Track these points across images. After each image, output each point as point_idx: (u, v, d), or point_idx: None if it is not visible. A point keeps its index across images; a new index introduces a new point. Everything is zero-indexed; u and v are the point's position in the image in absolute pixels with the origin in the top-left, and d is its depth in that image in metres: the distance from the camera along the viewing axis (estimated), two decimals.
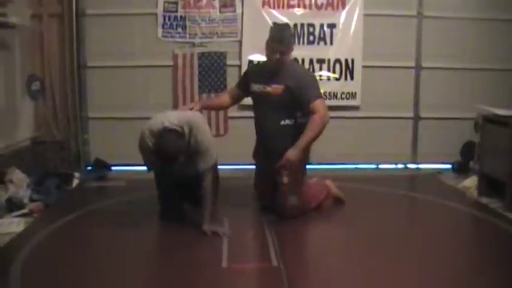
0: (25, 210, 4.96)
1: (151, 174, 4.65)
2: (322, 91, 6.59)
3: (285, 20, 6.60)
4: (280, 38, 4.51)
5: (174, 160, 4.10)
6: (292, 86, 4.51)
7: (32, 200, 5.23)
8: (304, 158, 4.79)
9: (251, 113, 5.03)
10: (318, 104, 4.48)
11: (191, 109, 4.74)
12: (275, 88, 4.60)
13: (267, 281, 3.70)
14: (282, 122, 4.63)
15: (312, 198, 4.89)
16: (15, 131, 6.18)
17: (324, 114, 4.51)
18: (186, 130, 4.22)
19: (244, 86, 4.94)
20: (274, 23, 4.97)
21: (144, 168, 4.54)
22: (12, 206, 4.99)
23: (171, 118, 4.28)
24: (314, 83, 4.69)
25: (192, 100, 6.47)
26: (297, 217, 4.70)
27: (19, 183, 5.39)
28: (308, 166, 6.84)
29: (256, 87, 4.76)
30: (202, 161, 4.33)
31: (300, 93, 4.49)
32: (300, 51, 6.69)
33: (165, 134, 4.14)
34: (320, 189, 5.08)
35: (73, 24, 6.59)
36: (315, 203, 4.92)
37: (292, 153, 4.42)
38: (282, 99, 4.58)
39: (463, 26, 6.85)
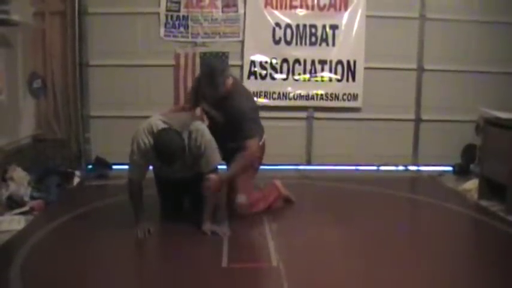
0: (26, 208, 4.96)
1: (151, 173, 4.65)
2: (324, 92, 6.73)
3: (287, 20, 6.64)
4: (211, 84, 4.35)
5: (173, 160, 4.08)
6: (232, 120, 4.44)
7: (32, 198, 5.24)
8: (259, 159, 4.86)
9: None
10: (250, 143, 4.44)
11: (183, 108, 4.71)
12: (218, 116, 4.57)
13: (266, 280, 3.72)
14: (229, 145, 4.52)
15: (261, 199, 4.93)
16: (17, 129, 6.18)
17: (253, 153, 4.50)
18: (186, 134, 4.21)
19: (195, 100, 4.83)
20: (203, 65, 4.66)
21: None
22: (13, 203, 5.00)
23: (170, 121, 4.27)
24: (252, 120, 4.54)
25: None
26: (245, 216, 4.71)
27: (20, 180, 5.40)
28: (308, 167, 6.94)
29: (205, 105, 4.74)
30: (205, 164, 4.32)
31: (239, 128, 4.42)
32: (302, 52, 6.74)
33: (164, 132, 4.13)
34: (270, 191, 5.12)
35: (75, 23, 6.59)
36: (264, 204, 4.95)
37: (213, 181, 4.32)
38: (224, 127, 4.52)
39: (465, 29, 6.85)
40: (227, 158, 4.56)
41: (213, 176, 4.31)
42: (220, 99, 4.45)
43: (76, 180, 6.11)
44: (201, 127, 4.33)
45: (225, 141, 4.48)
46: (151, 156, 4.17)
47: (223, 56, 6.72)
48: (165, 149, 4.04)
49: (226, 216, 4.54)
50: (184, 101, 4.98)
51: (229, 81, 4.45)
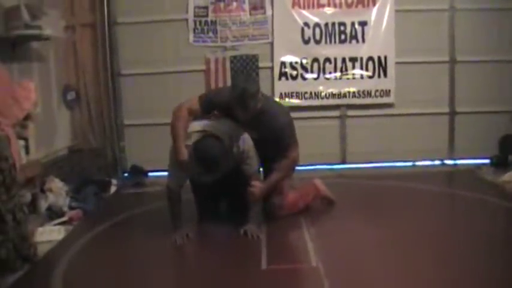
0: (65, 218, 5.03)
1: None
2: (356, 90, 6.68)
3: (315, 19, 6.63)
4: (244, 107, 4.25)
5: (215, 168, 4.03)
6: (270, 136, 4.37)
7: (71, 208, 5.31)
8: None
9: None
10: (291, 152, 4.45)
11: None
12: (252, 133, 4.42)
13: (306, 281, 3.70)
14: (267, 154, 4.50)
15: (299, 199, 4.91)
16: (53, 141, 6.28)
17: (295, 161, 4.53)
18: (227, 140, 4.20)
19: (208, 112, 4.58)
20: (236, 85, 4.38)
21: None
22: (52, 214, 5.08)
23: (209, 128, 4.26)
24: (291, 131, 4.51)
25: None
26: (284, 217, 4.70)
27: (58, 191, 5.47)
28: (343, 166, 6.90)
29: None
30: (248, 168, 4.35)
31: (278, 141, 4.41)
32: (332, 51, 6.71)
33: (204, 139, 4.11)
34: (307, 190, 5.08)
35: (105, 33, 6.70)
36: (303, 203, 4.94)
37: (259, 189, 4.34)
38: (259, 142, 4.43)
39: (498, 17, 6.72)
40: (264, 165, 4.59)
41: (258, 183, 4.34)
42: (252, 118, 4.37)
43: (113, 188, 6.17)
44: (243, 134, 4.33)
45: (262, 152, 4.47)
46: (192, 164, 4.15)
47: (253, 59, 6.74)
48: (206, 156, 4.00)
49: (262, 218, 4.54)
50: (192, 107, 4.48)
51: (260, 99, 4.38)
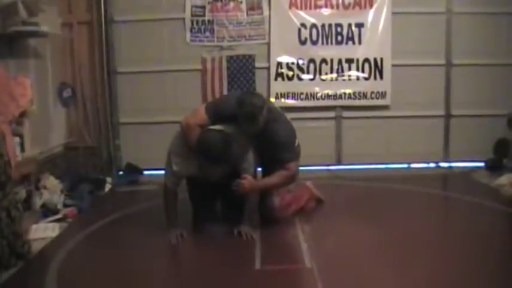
0: (59, 216, 5.03)
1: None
2: (351, 91, 6.69)
3: (312, 20, 6.63)
4: (253, 123, 4.27)
5: (217, 162, 4.04)
6: (272, 147, 4.38)
7: (65, 206, 5.31)
8: None
9: None
10: (291, 166, 4.41)
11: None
12: (256, 144, 4.44)
13: (300, 282, 3.70)
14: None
15: (293, 201, 4.90)
16: (48, 138, 6.27)
17: (294, 175, 4.47)
18: (228, 134, 4.18)
19: (215, 122, 4.45)
20: (244, 101, 4.27)
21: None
22: (47, 211, 5.08)
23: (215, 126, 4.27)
24: (291, 145, 4.50)
25: None
26: (279, 219, 4.67)
27: (53, 189, 5.47)
28: (338, 167, 6.91)
29: None
30: (244, 170, 4.34)
31: (275, 153, 4.39)
32: (328, 52, 6.71)
33: (210, 131, 4.13)
34: (301, 192, 5.09)
35: (102, 31, 6.68)
36: (296, 206, 4.93)
37: (249, 183, 4.27)
38: (261, 151, 4.48)
39: (494, 21, 6.73)
40: (263, 167, 4.62)
41: (249, 177, 4.31)
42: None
43: (107, 186, 6.17)
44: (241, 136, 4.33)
45: (261, 156, 4.50)
46: (192, 161, 4.17)
47: (249, 59, 6.76)
48: (208, 145, 4.00)
49: (257, 219, 4.55)
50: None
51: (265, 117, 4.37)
